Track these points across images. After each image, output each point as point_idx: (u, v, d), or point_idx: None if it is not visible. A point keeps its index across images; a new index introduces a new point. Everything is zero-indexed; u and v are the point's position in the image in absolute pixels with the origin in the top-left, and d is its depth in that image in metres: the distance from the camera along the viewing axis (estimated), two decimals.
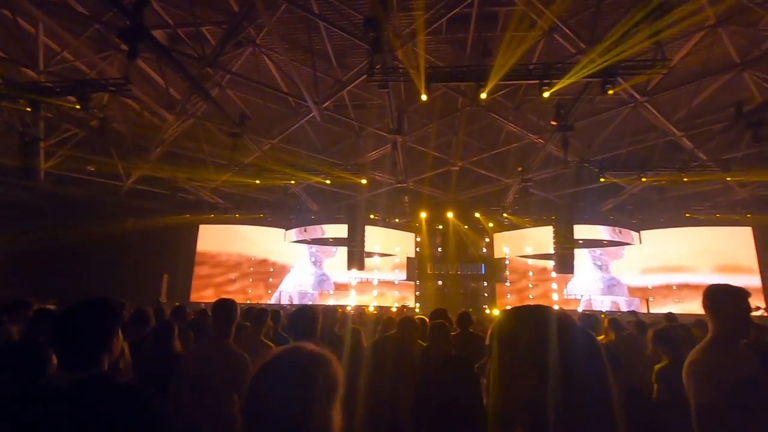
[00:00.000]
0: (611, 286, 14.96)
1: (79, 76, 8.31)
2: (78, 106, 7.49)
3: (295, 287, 16.01)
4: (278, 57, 8.98)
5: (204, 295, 15.31)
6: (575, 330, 0.86)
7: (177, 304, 9.09)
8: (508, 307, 0.94)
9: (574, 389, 0.79)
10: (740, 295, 1.97)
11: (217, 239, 16.30)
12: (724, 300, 1.98)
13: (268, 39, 8.70)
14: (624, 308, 13.77)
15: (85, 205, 12.93)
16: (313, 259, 16.41)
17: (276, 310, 5.44)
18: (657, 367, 2.99)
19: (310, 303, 15.27)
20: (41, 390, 1.37)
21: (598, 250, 15.19)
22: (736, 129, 8.86)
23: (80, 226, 12.18)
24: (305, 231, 15.92)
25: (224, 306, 2.81)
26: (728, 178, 10.96)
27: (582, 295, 14.97)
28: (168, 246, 15.21)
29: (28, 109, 7.81)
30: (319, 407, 0.88)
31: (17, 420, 1.24)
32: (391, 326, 4.43)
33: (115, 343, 1.50)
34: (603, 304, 14.63)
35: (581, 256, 14.95)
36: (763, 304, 12.33)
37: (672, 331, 3.15)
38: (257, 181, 11.89)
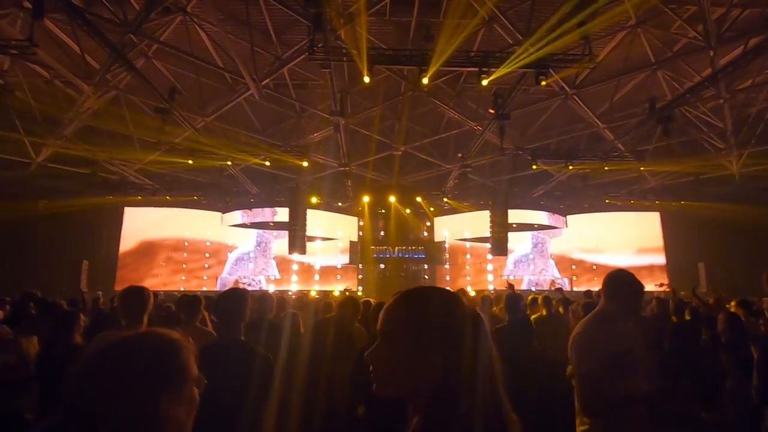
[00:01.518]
0: (543, 268, 16.06)
1: None
2: None
3: (237, 273, 15.42)
4: (212, 28, 8.39)
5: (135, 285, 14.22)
6: (467, 309, 0.90)
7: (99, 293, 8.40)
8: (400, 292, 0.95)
9: (474, 367, 0.83)
10: (635, 288, 2.11)
11: (146, 223, 15.18)
12: (620, 287, 2.13)
13: (200, 8, 8.08)
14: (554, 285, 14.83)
15: None
16: (259, 239, 15.85)
17: (211, 298, 5.19)
18: None
19: (245, 288, 14.77)
20: None
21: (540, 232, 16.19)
22: (649, 123, 9.75)
23: None
24: (251, 212, 15.22)
25: (133, 293, 2.47)
26: (641, 168, 12.13)
27: (514, 276, 15.90)
28: (88, 231, 13.89)
29: None
30: (145, 397, 0.78)
31: None
32: (331, 309, 4.41)
33: None
34: (536, 283, 15.64)
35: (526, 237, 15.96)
36: (666, 280, 13.86)
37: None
38: (190, 162, 11.15)
